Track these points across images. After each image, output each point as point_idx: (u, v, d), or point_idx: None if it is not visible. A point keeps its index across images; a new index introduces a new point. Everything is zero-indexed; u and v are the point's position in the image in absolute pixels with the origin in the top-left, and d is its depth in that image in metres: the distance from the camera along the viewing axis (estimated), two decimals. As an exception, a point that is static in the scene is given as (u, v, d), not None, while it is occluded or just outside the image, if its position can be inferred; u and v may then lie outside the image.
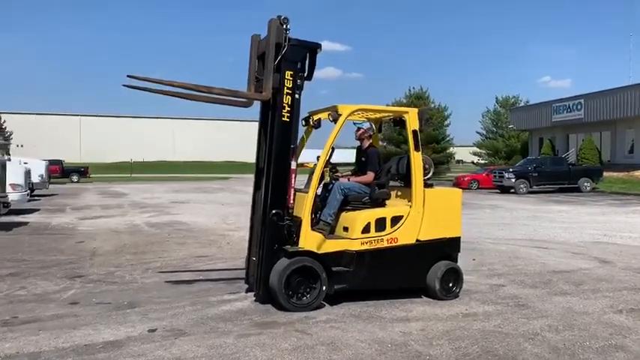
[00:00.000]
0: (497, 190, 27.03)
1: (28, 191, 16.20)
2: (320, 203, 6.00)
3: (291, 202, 5.63)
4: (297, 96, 5.63)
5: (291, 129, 5.63)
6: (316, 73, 5.81)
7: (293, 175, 5.64)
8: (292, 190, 5.64)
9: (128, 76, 5.08)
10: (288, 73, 5.55)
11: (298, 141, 6.48)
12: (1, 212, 12.09)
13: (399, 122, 6.25)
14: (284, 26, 5.51)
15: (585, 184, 26.14)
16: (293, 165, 5.64)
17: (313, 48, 5.73)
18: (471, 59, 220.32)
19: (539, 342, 4.58)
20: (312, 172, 5.86)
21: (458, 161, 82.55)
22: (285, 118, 5.56)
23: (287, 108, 5.56)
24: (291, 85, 5.57)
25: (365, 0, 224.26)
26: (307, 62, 5.74)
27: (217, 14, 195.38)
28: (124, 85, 5.16)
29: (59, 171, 37.50)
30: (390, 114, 6.51)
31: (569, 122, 37.67)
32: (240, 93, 5.71)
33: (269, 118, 5.71)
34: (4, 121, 55.05)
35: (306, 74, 5.75)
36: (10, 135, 53.47)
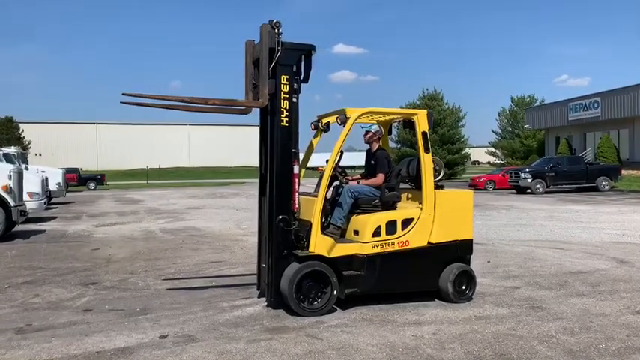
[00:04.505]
0: (514, 191, 26.79)
1: (46, 199, 16.41)
2: (329, 207, 5.97)
3: (296, 206, 5.60)
4: (294, 99, 5.58)
5: (291, 133, 5.57)
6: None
7: (296, 180, 5.60)
8: (296, 194, 5.61)
9: (123, 93, 5.20)
10: (283, 78, 5.50)
11: (307, 145, 6.48)
12: (18, 220, 12.24)
13: (409, 124, 6.19)
14: (276, 30, 5.45)
15: (603, 183, 25.79)
16: (295, 169, 5.58)
17: (307, 50, 5.64)
18: (487, 59, 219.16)
19: (553, 344, 4.50)
20: (321, 176, 5.83)
21: (474, 162, 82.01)
22: (284, 123, 5.51)
23: (285, 112, 5.51)
24: (287, 90, 5.52)
25: (380, 3, 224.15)
26: (303, 65, 5.67)
27: (230, 21, 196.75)
28: (122, 102, 5.29)
29: (76, 179, 37.99)
30: (399, 116, 6.45)
31: (586, 121, 37.24)
32: (236, 102, 5.68)
33: (268, 124, 5.67)
34: (23, 131, 55.98)
35: (302, 77, 5.69)
36: (29, 144, 54.43)
